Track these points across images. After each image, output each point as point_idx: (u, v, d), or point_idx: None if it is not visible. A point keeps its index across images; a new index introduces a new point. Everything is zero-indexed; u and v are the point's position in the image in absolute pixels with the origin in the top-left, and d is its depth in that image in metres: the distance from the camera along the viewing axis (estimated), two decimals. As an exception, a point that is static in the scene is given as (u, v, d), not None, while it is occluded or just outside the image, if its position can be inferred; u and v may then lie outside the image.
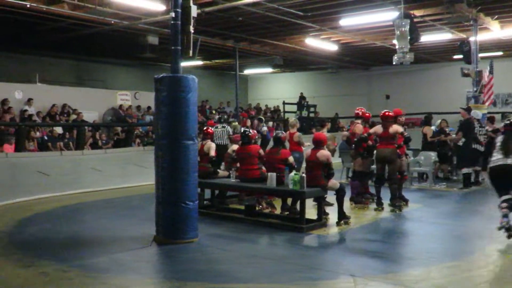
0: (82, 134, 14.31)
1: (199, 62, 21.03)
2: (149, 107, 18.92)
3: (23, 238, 6.45)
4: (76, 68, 20.55)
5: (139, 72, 22.45)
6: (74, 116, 15.93)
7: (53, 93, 16.64)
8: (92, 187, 10.68)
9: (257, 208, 7.84)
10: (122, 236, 6.51)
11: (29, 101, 15.49)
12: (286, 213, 7.54)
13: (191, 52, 6.23)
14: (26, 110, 15.07)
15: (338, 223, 7.05)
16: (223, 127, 11.49)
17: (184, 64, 6.48)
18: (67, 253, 5.66)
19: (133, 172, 12.38)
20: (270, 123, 16.43)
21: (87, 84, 19.70)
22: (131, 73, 22.46)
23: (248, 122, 14.43)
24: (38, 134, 14.07)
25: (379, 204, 8.24)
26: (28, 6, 11.67)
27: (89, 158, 13.09)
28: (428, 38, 15.24)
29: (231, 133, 10.99)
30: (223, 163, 9.20)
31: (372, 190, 8.65)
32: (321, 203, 7.04)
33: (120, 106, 18.22)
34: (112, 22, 13.46)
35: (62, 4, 11.96)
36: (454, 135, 11.52)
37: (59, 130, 14.84)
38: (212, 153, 8.04)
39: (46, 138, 14.09)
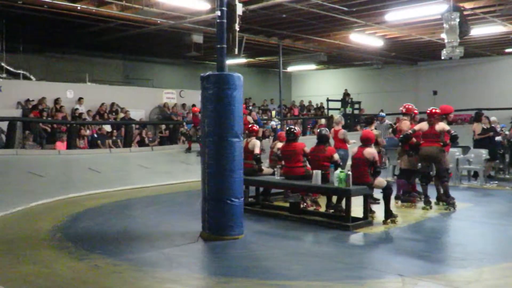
0: (129, 132, 14.69)
1: (243, 60, 21.14)
2: (193, 105, 19.18)
3: (76, 232, 6.67)
4: (123, 67, 21.09)
5: (184, 70, 22.82)
6: (121, 115, 16.37)
7: (102, 92, 17.17)
8: (139, 183, 10.94)
9: (301, 206, 7.82)
10: (169, 231, 6.63)
11: (80, 100, 16.06)
12: (331, 211, 7.49)
13: (236, 50, 6.28)
14: (77, 109, 15.63)
15: (384, 222, 6.95)
16: None
17: (228, 62, 6.53)
18: (117, 247, 5.82)
19: (179, 169, 12.59)
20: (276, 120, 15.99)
21: (134, 83, 20.19)
22: (177, 72, 22.84)
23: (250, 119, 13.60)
24: (88, 132, 14.56)
25: (427, 202, 8.06)
26: (78, 8, 12.10)
27: (136, 155, 13.42)
28: (478, 31, 14.72)
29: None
30: (267, 160, 9.23)
31: (419, 188, 8.46)
32: (367, 201, 6.94)
33: (166, 104, 18.58)
34: (159, 22, 13.74)
35: (111, 5, 12.32)
36: (507, 132, 11.11)
37: (107, 128, 15.30)
38: (257, 150, 8.07)
39: (95, 136, 14.56)
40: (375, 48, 18.52)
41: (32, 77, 17.04)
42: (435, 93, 22.05)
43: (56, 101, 15.37)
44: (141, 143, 15.15)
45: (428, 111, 8.09)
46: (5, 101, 15.05)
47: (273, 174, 8.14)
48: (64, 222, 7.17)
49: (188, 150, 14.47)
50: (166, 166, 12.85)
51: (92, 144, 14.23)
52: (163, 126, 16.83)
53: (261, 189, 8.49)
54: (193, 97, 19.61)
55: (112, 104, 16.75)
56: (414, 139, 8.07)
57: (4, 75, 16.04)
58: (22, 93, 15.46)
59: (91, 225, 7.08)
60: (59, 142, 13.13)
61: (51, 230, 6.64)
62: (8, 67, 16.40)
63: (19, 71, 16.72)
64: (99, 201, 9.00)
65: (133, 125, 15.24)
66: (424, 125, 8.10)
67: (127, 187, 10.58)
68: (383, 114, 12.35)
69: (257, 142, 8.21)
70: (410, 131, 8.12)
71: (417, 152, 8.19)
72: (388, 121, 11.70)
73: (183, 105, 19.26)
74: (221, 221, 6.10)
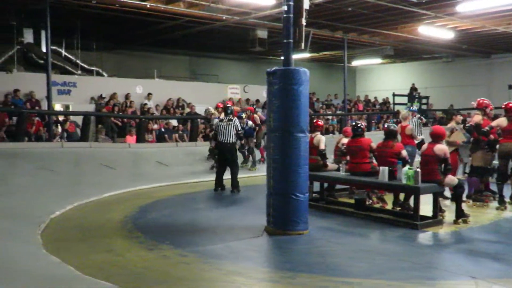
0: (195, 126, 15.03)
1: (307, 55, 20.98)
2: (257, 100, 19.33)
3: (145, 222, 6.91)
4: (189, 63, 21.60)
5: (248, 66, 23.01)
6: (187, 109, 16.77)
7: (169, 87, 17.69)
8: (205, 177, 11.16)
9: (367, 203, 7.68)
10: (234, 225, 6.73)
11: (149, 95, 16.63)
12: (399, 208, 7.30)
13: (303, 44, 6.25)
14: (145, 104, 16.19)
15: (455, 222, 6.68)
16: (229, 120, 9.46)
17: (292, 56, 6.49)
18: (184, 239, 5.98)
19: (242, 164, 12.70)
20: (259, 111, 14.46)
21: (200, 78, 20.62)
22: (241, 67, 23.08)
23: (257, 118, 12.64)
24: (156, 126, 15.04)
25: (501, 202, 7.66)
26: (148, 6, 12.50)
27: (201, 149, 13.66)
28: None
29: (239, 129, 9.60)
30: (332, 156, 9.12)
31: (493, 187, 8.06)
32: (437, 200, 6.70)
33: (230, 99, 18.82)
34: (224, 18, 13.92)
35: (179, 3, 12.62)
36: None
37: (174, 122, 15.72)
38: (322, 146, 8.00)
39: (163, 130, 15.02)
40: (445, 41, 17.79)
41: (104, 73, 17.85)
42: (510, 87, 20.86)
43: (127, 96, 16.01)
44: (206, 138, 15.43)
45: (504, 106, 7.68)
46: (79, 96, 15.88)
47: (338, 169, 8.05)
48: (134, 213, 7.44)
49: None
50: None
51: (160, 138, 14.70)
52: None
53: (325, 184, 8.42)
54: (257, 92, 19.76)
55: (179, 99, 17.20)
56: (491, 136, 7.69)
57: (79, 72, 16.91)
58: (95, 89, 16.25)
59: (159, 217, 7.31)
60: (129, 136, 13.67)
61: (122, 221, 6.92)
62: (82, 64, 17.27)
63: (92, 68, 17.57)
64: (166, 193, 9.28)
65: (199, 120, 15.57)
66: (502, 121, 7.68)
67: (192, 180, 10.82)
68: (414, 108, 11.39)
69: (322, 138, 8.13)
70: (487, 127, 7.73)
71: (494, 149, 7.79)
72: (418, 115, 10.97)
73: (247, 100, 19.44)
74: (286, 216, 6.11)
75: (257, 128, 12.50)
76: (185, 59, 21.53)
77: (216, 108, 12.37)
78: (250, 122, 11.99)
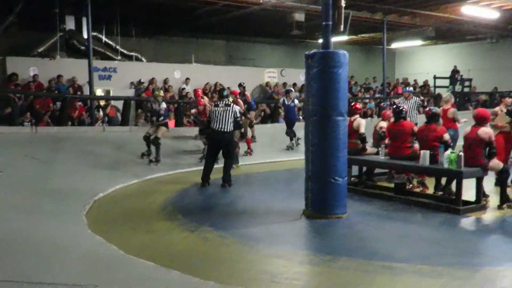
0: (232, 111, 15.06)
1: (345, 37, 20.61)
2: (294, 84, 19.20)
3: (185, 205, 7.03)
4: (227, 48, 21.62)
5: (285, 49, 22.86)
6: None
7: (206, 72, 17.79)
8: (243, 161, 11.22)
9: (407, 187, 7.56)
10: (272, 208, 6.76)
11: (186, 80, 16.79)
12: (440, 193, 7.15)
13: (342, 27, 6.15)
14: (183, 89, 16.36)
15: (500, 207, 6.50)
16: (226, 105, 8.27)
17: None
18: (224, 221, 6.06)
19: (281, 147, 12.70)
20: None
21: (237, 63, 20.63)
22: (278, 51, 22.95)
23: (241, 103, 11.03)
24: (193, 111, 15.16)
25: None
26: (186, -9, 12.55)
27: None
28: None
29: (238, 115, 8.34)
30: (370, 140, 9.00)
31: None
32: (480, 184, 6.53)
33: (267, 83, 18.78)
34: (261, 1, 13.84)
35: (216, -13, 12.62)
36: None
37: (212, 106, 15.81)
38: (362, 129, 7.90)
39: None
40: (489, 21, 17.14)
41: (143, 59, 18.10)
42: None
43: (165, 81, 16.22)
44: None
45: None
46: (120, 81, 16.19)
47: (377, 153, 7.94)
48: (174, 196, 7.57)
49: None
50: (268, 144, 13.03)
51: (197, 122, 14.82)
52: (264, 105, 17.07)
53: (364, 168, 8.33)
54: (294, 76, 19.63)
55: (216, 84, 17.29)
56: None
57: (119, 58, 17.22)
58: (135, 74, 16.52)
59: (198, 200, 7.43)
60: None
61: (163, 203, 7.06)
62: (122, 50, 17.55)
63: (132, 54, 17.84)
64: (205, 176, 9.37)
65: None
66: None
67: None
68: (410, 89, 10.53)
69: (362, 121, 8.03)
70: None
71: None
72: (417, 98, 10.45)
73: (284, 84, 19.35)
74: (324, 199, 6.09)
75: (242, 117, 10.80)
76: (222, 43, 21.57)
77: (195, 94, 11.84)
78: (237, 108, 9.06)
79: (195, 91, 12.15)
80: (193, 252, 4.81)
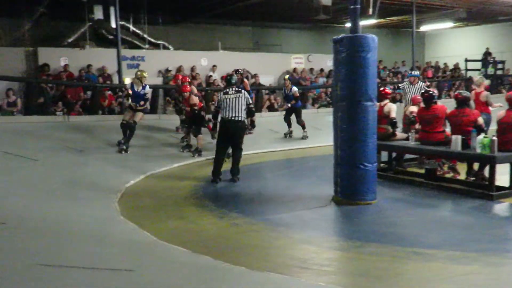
0: (259, 97, 15.09)
1: (373, 21, 20.27)
2: (322, 69, 19.06)
3: (214, 191, 7.11)
4: (253, 34, 21.54)
5: (312, 34, 22.63)
6: (252, 80, 16.82)
7: (233, 58, 17.77)
8: (270, 147, 11.25)
9: (438, 173, 7.45)
10: (301, 194, 6.77)
11: (213, 67, 16.83)
12: (472, 179, 7.03)
13: (370, 10, 6.07)
14: (210, 76, 16.42)
15: (534, 192, 6.35)
16: (237, 92, 7.59)
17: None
18: (253, 208, 6.11)
19: (308, 133, 12.65)
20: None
21: (264, 49, 20.56)
22: (304, 36, 22.75)
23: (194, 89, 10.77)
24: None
25: None
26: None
27: (266, 120, 13.73)
28: None
29: (250, 101, 7.73)
30: (400, 125, 8.88)
31: None
32: (514, 169, 6.39)
33: (294, 69, 18.67)
34: (287, -14, 13.69)
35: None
36: None
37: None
38: (393, 114, 7.80)
39: (228, 101, 15.18)
40: (524, 0, 16.59)
41: (170, 47, 18.21)
42: None
43: (192, 69, 16.30)
44: (271, 108, 15.49)
45: None
46: (147, 70, 16.09)
47: (407, 139, 7.84)
48: (204, 182, 7.64)
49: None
50: (295, 130, 13.00)
51: (225, 109, 14.88)
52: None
53: (393, 154, 8.24)
54: (321, 61, 19.46)
55: (243, 70, 17.27)
56: None
57: (146, 46, 17.37)
58: (162, 62, 16.65)
59: (228, 186, 7.48)
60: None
61: (193, 189, 7.15)
62: (149, 38, 17.70)
63: (159, 42, 17.98)
64: (233, 163, 9.43)
65: (263, 91, 15.60)
66: None
67: (258, 150, 10.92)
68: (416, 73, 10.08)
69: (393, 106, 7.92)
70: None
71: None
72: (422, 83, 10.09)
73: (311, 70, 19.21)
74: (353, 185, 6.07)
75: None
76: (248, 30, 21.49)
77: (176, 78, 11.24)
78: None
79: (175, 76, 11.60)
80: (223, 238, 4.87)
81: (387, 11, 18.71)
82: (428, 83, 11.13)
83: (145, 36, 17.56)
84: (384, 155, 8.23)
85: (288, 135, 12.28)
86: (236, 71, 12.39)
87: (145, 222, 5.33)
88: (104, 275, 3.13)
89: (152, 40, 17.80)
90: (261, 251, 4.52)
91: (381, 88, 8.60)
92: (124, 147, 9.25)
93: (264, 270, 3.86)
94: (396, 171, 7.94)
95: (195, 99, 9.94)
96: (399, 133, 8.12)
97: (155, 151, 9.90)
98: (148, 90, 9.73)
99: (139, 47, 17.15)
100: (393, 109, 7.85)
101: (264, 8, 17.69)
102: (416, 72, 10.67)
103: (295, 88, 12.17)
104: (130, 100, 9.56)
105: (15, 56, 14.63)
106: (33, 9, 15.23)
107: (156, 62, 16.59)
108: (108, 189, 6.77)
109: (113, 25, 15.49)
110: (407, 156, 8.46)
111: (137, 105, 9.53)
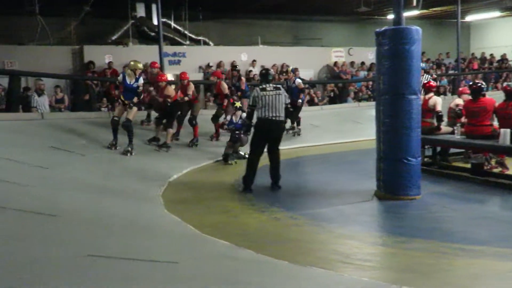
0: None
1: (415, 12, 19.72)
2: (362, 63, 18.79)
3: (255, 186, 7.09)
4: (292, 28, 21.43)
5: (353, 27, 22.31)
6: (291, 75, 16.75)
7: (273, 53, 17.78)
8: (310, 142, 11.20)
9: (485, 167, 7.23)
10: (343, 189, 6.71)
11: (253, 62, 16.87)
12: (522, 173, 6.79)
13: (415, 1, 5.93)
14: (250, 71, 16.46)
15: None
16: (276, 89, 6.72)
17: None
18: (294, 202, 6.11)
19: (349, 127, 12.54)
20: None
21: (304, 43, 20.43)
22: (345, 30, 22.46)
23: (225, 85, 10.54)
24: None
25: None
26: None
27: (306, 114, 13.65)
28: None
29: (288, 101, 6.83)
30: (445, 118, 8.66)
31: None
32: None
33: (335, 63, 18.49)
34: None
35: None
36: None
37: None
38: (439, 107, 7.62)
39: (268, 96, 15.19)
40: None
41: (210, 42, 18.37)
42: None
43: (232, 63, 16.37)
44: (311, 102, 15.41)
45: None
46: (189, 65, 16.53)
47: (452, 133, 7.64)
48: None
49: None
50: (336, 124, 12.90)
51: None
52: (332, 85, 16.86)
53: (438, 148, 8.05)
54: (362, 55, 19.19)
55: (283, 65, 17.25)
56: None
57: (187, 42, 17.58)
58: (203, 58, 16.84)
59: (268, 180, 7.48)
60: (239, 104, 14.00)
61: (234, 184, 7.22)
62: (190, 35, 17.91)
63: (199, 38, 18.16)
64: (274, 158, 9.44)
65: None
66: None
67: (298, 145, 10.90)
68: (422, 65, 8.86)
69: (439, 99, 7.73)
70: None
71: None
72: (429, 75, 9.53)
73: (352, 63, 18.97)
74: (397, 180, 5.97)
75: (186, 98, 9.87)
76: (288, 24, 21.39)
77: (151, 66, 10.52)
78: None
79: (151, 64, 10.59)
80: (265, 232, 4.89)
81: (432, 1, 18.23)
82: (435, 76, 10.72)
83: (186, 32, 17.78)
84: (428, 150, 8.06)
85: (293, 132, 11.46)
86: (234, 67, 11.94)
87: (188, 215, 5.42)
88: (150, 267, 3.21)
89: (193, 36, 18.00)
90: (303, 245, 4.52)
91: (425, 81, 8.42)
92: (129, 148, 8.44)
93: (306, 264, 3.86)
94: (441, 166, 7.76)
95: (171, 90, 9.48)
96: (444, 127, 7.93)
97: (197, 146, 10.03)
98: (141, 82, 8.62)
99: (180, 44, 17.38)
100: (438, 102, 7.66)
101: (304, 2, 17.57)
102: (422, 64, 10.15)
103: (298, 80, 11.43)
104: (121, 95, 8.68)
105: (62, 54, 15.15)
106: (79, 9, 15.69)
107: (196, 58, 16.79)
108: (152, 183, 6.92)
109: (155, 22, 15.74)
110: (452, 150, 8.25)
111: (130, 102, 8.51)
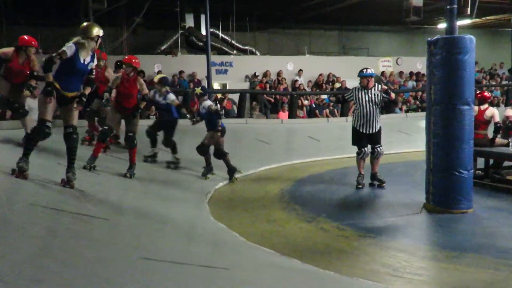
0: (347, 103, 14.87)
1: (467, 21, 19.28)
2: (411, 73, 18.45)
3: (301, 195, 7.11)
4: (339, 37, 21.34)
5: (401, 37, 21.99)
6: (338, 84, 16.67)
7: (319, 63, 17.74)
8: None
9: (542, 182, 6.93)
10: (391, 201, 6.59)
11: (299, 72, 16.88)
12: None
13: (469, 10, 5.79)
14: (296, 80, 16.49)
15: None
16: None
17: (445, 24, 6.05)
18: (341, 213, 6.05)
19: (397, 138, 12.28)
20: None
21: (350, 52, 20.28)
22: (393, 39, 22.15)
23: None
24: (306, 102, 15.24)
25: None
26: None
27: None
28: None
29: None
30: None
31: None
32: None
33: (383, 72, 18.23)
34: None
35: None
36: None
37: (325, 97, 15.77)
38: (497, 118, 7.38)
39: (313, 105, 15.17)
40: None
41: (257, 52, 18.53)
42: None
43: (278, 73, 16.46)
44: (359, 113, 15.21)
45: None
46: (235, 75, 16.76)
47: (507, 145, 7.37)
48: (290, 186, 7.68)
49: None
50: (383, 135, 12.65)
51: (311, 113, 14.88)
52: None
53: (491, 161, 7.77)
54: (411, 64, 18.85)
55: (329, 75, 17.18)
56: None
57: (234, 52, 17.81)
58: (249, 67, 16.99)
59: (314, 190, 7.46)
60: (281, 112, 14.08)
61: (280, 193, 7.21)
62: (237, 44, 18.14)
63: (246, 48, 18.37)
64: (320, 167, 9.40)
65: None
66: None
67: (345, 155, 10.76)
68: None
69: (496, 111, 7.51)
70: None
71: None
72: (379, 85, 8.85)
73: (400, 73, 18.65)
74: (447, 193, 5.81)
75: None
76: (335, 33, 21.32)
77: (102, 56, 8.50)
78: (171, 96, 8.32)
79: (102, 55, 8.73)
80: (311, 242, 4.86)
81: (485, 10, 17.69)
82: (385, 87, 10.10)
83: (233, 42, 18.02)
84: (480, 162, 7.80)
85: (150, 158, 8.45)
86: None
87: (234, 223, 5.46)
88: (202, 272, 3.25)
89: (240, 46, 18.22)
90: (350, 256, 4.47)
91: (478, 92, 8.17)
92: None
93: (353, 276, 3.80)
94: (494, 179, 7.48)
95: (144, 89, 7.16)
96: (499, 139, 7.65)
97: (242, 154, 10.09)
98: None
99: (227, 53, 17.62)
100: (496, 114, 7.45)
101: (351, 12, 17.46)
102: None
103: (172, 96, 8.44)
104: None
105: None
106: (130, 20, 16.20)
107: (243, 68, 16.96)
108: (199, 191, 7.02)
109: (203, 32, 16.05)
110: (507, 163, 7.94)
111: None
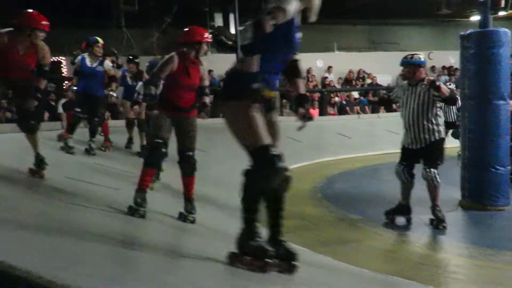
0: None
1: (501, 13, 18.79)
2: (443, 67, 18.11)
3: (333, 192, 7.11)
4: (369, 33, 21.07)
5: (433, 31, 21.55)
6: (369, 80, 16.52)
7: (349, 59, 17.59)
8: (388, 149, 10.90)
9: None
10: (424, 198, 6.45)
11: (329, 68, 16.81)
12: None
13: (503, 2, 5.67)
14: (326, 77, 16.42)
15: None
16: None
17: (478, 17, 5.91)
18: (373, 211, 5.98)
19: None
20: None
21: (380, 48, 20.01)
22: (424, 33, 21.74)
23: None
24: (337, 99, 15.16)
25: None
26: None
27: (384, 120, 13.37)
28: None
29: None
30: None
31: None
32: None
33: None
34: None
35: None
36: None
37: (355, 94, 15.65)
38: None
39: (344, 102, 15.08)
40: None
41: (288, 50, 18.49)
42: None
43: (308, 71, 16.41)
44: (389, 108, 15.03)
45: None
46: (264, 73, 16.75)
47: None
48: (322, 184, 7.69)
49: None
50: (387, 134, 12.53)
51: (341, 110, 14.80)
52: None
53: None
54: (443, 59, 18.50)
55: (359, 71, 17.03)
56: None
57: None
58: (279, 65, 16.97)
59: (346, 187, 7.44)
60: (311, 110, 14.03)
61: (311, 190, 7.22)
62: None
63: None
64: (351, 164, 9.36)
65: (381, 91, 15.23)
66: None
67: (376, 152, 10.70)
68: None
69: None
70: None
71: None
72: None
73: (432, 68, 18.32)
74: (483, 190, 5.73)
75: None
76: (365, 29, 21.04)
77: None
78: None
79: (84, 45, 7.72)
80: (345, 240, 4.86)
81: (519, 1, 17.22)
82: (431, 78, 9.73)
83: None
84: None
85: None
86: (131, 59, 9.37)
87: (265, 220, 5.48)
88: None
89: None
90: (386, 254, 4.46)
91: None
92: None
93: (389, 273, 3.79)
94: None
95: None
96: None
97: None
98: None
99: (254, 51, 17.64)
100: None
101: (381, 6, 17.22)
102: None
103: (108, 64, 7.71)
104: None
105: (145, 64, 15.89)
106: (161, 20, 16.42)
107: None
108: (228, 187, 7.04)
109: (233, 31, 16.12)
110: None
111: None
